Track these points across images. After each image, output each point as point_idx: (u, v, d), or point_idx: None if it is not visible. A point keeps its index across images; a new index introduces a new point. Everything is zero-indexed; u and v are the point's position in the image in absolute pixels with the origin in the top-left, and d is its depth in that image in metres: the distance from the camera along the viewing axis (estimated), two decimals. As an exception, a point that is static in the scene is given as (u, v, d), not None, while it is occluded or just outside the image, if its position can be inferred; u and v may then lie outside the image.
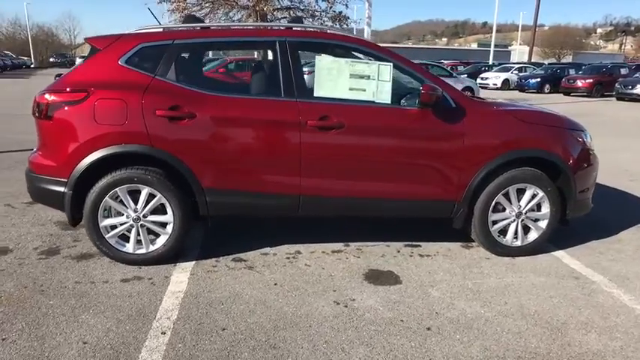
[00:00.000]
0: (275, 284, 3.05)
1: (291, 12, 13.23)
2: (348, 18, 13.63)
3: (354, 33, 13.44)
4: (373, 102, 3.27)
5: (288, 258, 3.46)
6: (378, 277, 3.19)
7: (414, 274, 3.25)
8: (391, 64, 3.32)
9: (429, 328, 2.60)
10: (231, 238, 3.79)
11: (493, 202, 3.44)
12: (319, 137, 3.17)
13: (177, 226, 3.19)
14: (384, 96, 3.27)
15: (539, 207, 3.53)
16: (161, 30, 3.26)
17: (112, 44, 3.16)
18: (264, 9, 12.55)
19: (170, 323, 2.57)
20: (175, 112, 3.04)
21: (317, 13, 13.02)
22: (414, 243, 3.80)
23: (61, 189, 3.07)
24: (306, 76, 3.40)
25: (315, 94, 3.22)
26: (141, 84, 3.06)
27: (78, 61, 53.33)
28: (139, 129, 3.02)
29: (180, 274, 3.14)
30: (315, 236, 3.81)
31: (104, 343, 2.37)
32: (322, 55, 3.32)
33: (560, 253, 3.69)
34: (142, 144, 3.03)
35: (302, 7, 13.25)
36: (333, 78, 3.26)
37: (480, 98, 4.46)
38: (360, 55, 3.41)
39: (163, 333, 2.48)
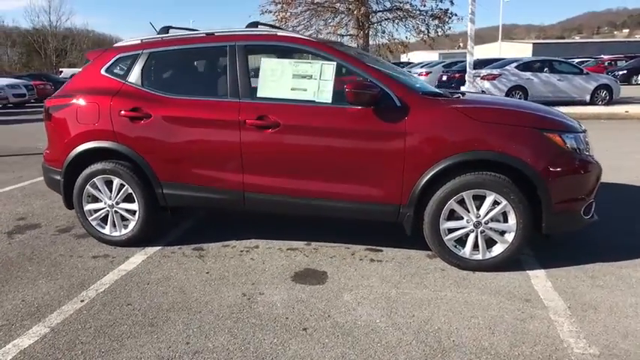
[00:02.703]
0: (207, 273, 3.28)
1: (393, 13, 13.13)
2: (454, 15, 12.99)
3: (446, 32, 12.76)
4: (314, 101, 3.28)
5: (242, 251, 3.64)
6: (306, 277, 3.20)
7: (344, 277, 3.17)
8: (334, 63, 3.29)
9: (305, 329, 2.56)
10: (211, 229, 4.12)
11: (445, 209, 3.15)
12: (257, 136, 3.30)
13: (142, 214, 3.62)
14: (325, 95, 3.26)
15: (505, 217, 3.12)
16: (138, 42, 3.73)
17: (99, 56, 3.74)
18: (365, 11, 12.70)
19: (94, 294, 2.99)
20: (135, 113, 3.48)
21: (415, 13, 12.68)
22: (376, 247, 3.65)
23: (58, 177, 3.75)
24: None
25: (258, 95, 3.36)
26: (113, 89, 3.58)
27: None
28: (108, 127, 3.53)
29: (139, 257, 3.56)
30: (286, 233, 3.91)
31: (33, 303, 2.88)
32: (267, 56, 3.44)
33: (536, 272, 3.20)
34: (109, 140, 3.54)
35: (404, 8, 13.02)
36: (276, 78, 3.36)
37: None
38: (310, 56, 3.43)
39: (82, 301, 2.91)
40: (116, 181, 3.61)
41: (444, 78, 17.22)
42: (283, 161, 3.32)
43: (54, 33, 43.58)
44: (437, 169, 3.08)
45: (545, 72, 14.24)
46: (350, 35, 13.30)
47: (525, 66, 14.50)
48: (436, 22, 12.63)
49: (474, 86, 13.06)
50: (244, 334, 2.52)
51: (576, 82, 14.19)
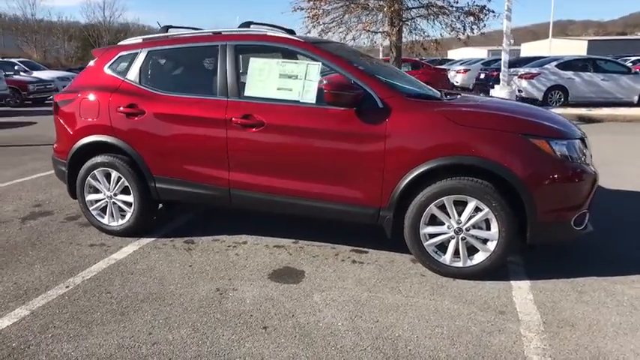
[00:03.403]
0: (190, 266, 3.37)
1: (426, 10, 12.82)
2: (490, 12, 12.51)
3: (482, 29, 12.33)
4: (298, 101, 3.28)
5: (230, 246, 3.71)
6: (283, 275, 3.22)
7: (320, 278, 3.17)
8: (319, 63, 3.28)
9: (265, 328, 2.59)
10: (206, 223, 4.22)
11: (426, 213, 3.08)
12: (242, 134, 3.35)
13: (137, 206, 3.76)
14: (310, 95, 3.25)
15: (488, 225, 3.02)
16: (139, 40, 3.86)
17: (103, 54, 3.91)
18: (397, 8, 12.48)
19: (80, 281, 3.15)
20: (131, 109, 3.61)
21: (449, 10, 12.31)
22: (362, 249, 3.63)
23: (64, 168, 3.95)
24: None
25: (245, 94, 3.40)
26: (113, 86, 3.73)
27: None
28: (106, 123, 3.68)
29: (132, 247, 3.71)
30: (277, 230, 3.95)
31: (23, 286, 3.07)
32: (256, 56, 3.47)
33: (520, 283, 3.08)
34: (108, 135, 3.69)
35: (438, 4, 12.68)
36: (263, 78, 3.39)
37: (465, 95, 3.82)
38: (298, 56, 3.43)
39: (67, 287, 3.07)
40: (114, 174, 3.76)
41: (482, 76, 16.68)
42: (267, 160, 3.36)
43: (107, 28, 45.64)
44: (416, 173, 3.01)
45: (589, 71, 13.52)
46: (382, 32, 13.12)
47: (567, 65, 13.81)
48: (471, 19, 12.24)
49: (509, 85, 12.59)
50: (205, 329, 2.58)
51: (623, 82, 13.38)
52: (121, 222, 3.86)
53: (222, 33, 3.61)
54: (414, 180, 3.03)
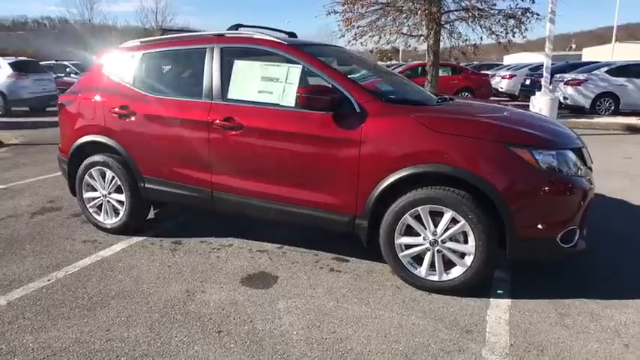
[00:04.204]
0: (169, 266, 3.42)
1: (468, 13, 12.43)
2: (533, 15, 11.96)
3: (524, 33, 11.78)
4: (278, 105, 3.25)
5: (214, 249, 3.73)
6: (256, 280, 3.20)
7: (292, 285, 3.12)
8: (300, 66, 3.23)
9: (219, 332, 2.57)
10: (199, 224, 4.27)
11: (401, 223, 2.96)
12: (222, 137, 3.36)
13: (129, 205, 3.87)
14: (290, 99, 3.21)
15: (465, 238, 2.86)
16: (138, 43, 3.97)
17: (104, 57, 4.04)
18: (435, 10, 12.20)
19: (62, 275, 3.26)
20: (124, 111, 3.72)
21: (489, 13, 11.86)
22: (344, 257, 3.54)
23: (65, 166, 4.13)
24: None
25: (229, 96, 3.41)
26: (109, 88, 3.86)
27: None
28: (101, 123, 3.82)
29: (121, 245, 3.81)
30: (266, 234, 3.92)
31: (9, 277, 3.22)
32: (241, 58, 3.47)
33: (500, 301, 2.89)
34: (102, 135, 3.82)
35: (478, 7, 12.26)
36: (246, 81, 3.40)
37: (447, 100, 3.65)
38: (282, 58, 3.40)
39: (49, 280, 3.19)
40: (108, 173, 3.89)
41: (527, 82, 15.98)
42: (246, 163, 3.35)
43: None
44: (390, 181, 2.90)
45: (644, 77, 12.61)
46: (419, 36, 12.85)
47: (619, 70, 12.94)
48: (512, 22, 11.73)
49: (551, 92, 11.97)
50: (161, 329, 2.60)
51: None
52: (114, 220, 3.98)
53: (211, 35, 3.65)
54: (388, 188, 2.92)
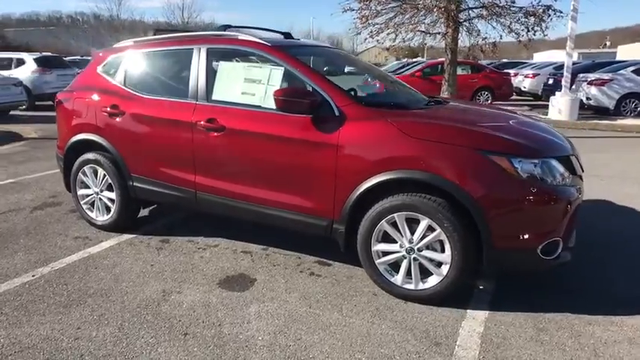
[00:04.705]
0: (151, 265, 3.45)
1: (488, 10, 12.13)
2: (556, 12, 11.58)
3: (545, 31, 11.41)
4: (260, 107, 3.23)
5: (199, 249, 3.75)
6: (233, 282, 3.19)
7: (268, 288, 3.10)
8: (282, 68, 3.20)
9: (185, 334, 2.58)
10: (191, 224, 4.29)
11: (377, 229, 2.90)
12: (205, 138, 3.36)
13: (119, 203, 3.92)
14: (271, 101, 3.17)
15: (442, 247, 2.78)
16: (130, 43, 4.01)
17: (98, 56, 4.11)
18: (453, 8, 11.96)
19: (48, 270, 3.33)
20: (114, 110, 3.76)
21: (508, 11, 11.54)
22: (327, 261, 3.50)
23: (61, 163, 4.21)
24: None
25: (213, 98, 3.41)
26: (101, 87, 3.91)
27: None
28: (93, 122, 3.87)
29: (111, 242, 3.87)
30: (254, 235, 3.91)
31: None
32: (226, 60, 3.46)
33: (477, 313, 2.80)
34: (94, 133, 3.88)
35: (498, 4, 11.95)
36: (230, 82, 3.39)
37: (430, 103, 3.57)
38: (265, 59, 3.37)
39: (33, 276, 3.26)
40: (100, 171, 3.95)
41: (550, 81, 15.50)
42: (228, 164, 3.35)
43: (185, 29, 48.44)
44: (365, 187, 2.85)
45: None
46: (435, 34, 12.62)
47: (647, 70, 12.44)
48: (532, 19, 11.38)
49: (572, 92, 11.61)
50: (130, 329, 2.62)
51: None
52: (105, 217, 4.05)
53: (198, 36, 3.65)
54: (364, 194, 2.87)
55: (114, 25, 45.38)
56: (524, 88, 18.23)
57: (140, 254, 3.63)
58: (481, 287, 3.10)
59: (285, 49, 3.32)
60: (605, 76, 12.58)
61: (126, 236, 3.98)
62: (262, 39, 3.42)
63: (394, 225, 2.87)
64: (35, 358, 2.36)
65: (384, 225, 2.88)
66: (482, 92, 15.39)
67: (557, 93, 11.53)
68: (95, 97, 3.90)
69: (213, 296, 2.99)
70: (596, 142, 9.12)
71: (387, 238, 2.93)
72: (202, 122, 3.35)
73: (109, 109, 3.79)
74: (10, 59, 14.10)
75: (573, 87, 13.13)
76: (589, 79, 12.75)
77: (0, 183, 5.72)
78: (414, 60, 22.10)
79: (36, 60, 13.91)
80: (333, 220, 3.05)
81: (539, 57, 43.90)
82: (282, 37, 4.29)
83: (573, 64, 17.01)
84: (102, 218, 4.07)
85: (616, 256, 3.64)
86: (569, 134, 10.38)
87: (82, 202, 4.14)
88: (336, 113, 2.98)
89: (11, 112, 12.53)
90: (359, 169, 2.87)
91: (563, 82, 11.25)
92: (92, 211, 4.12)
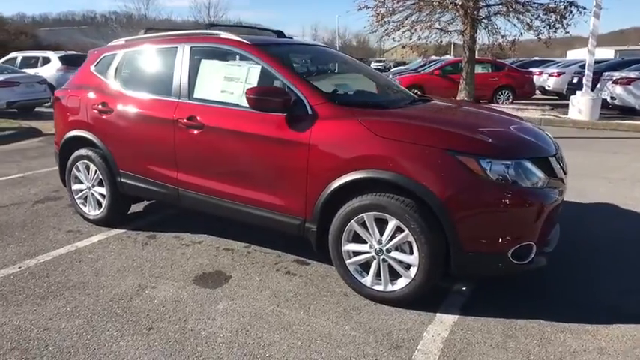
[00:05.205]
0: (133, 260, 3.51)
1: (507, 7, 11.85)
2: (578, 8, 11.20)
3: (566, 29, 11.04)
4: (238, 105, 3.25)
5: (184, 245, 3.80)
6: (209, 278, 3.22)
7: (241, 286, 3.12)
8: (260, 67, 3.21)
9: (150, 329, 2.62)
10: (181, 220, 4.34)
11: (347, 229, 2.88)
12: (186, 136, 3.40)
13: (109, 198, 4.02)
14: (248, 99, 3.20)
15: (411, 249, 2.73)
16: (122, 42, 4.09)
17: (93, 55, 4.21)
18: (471, 5, 11.72)
19: (34, 263, 3.44)
20: (103, 107, 3.85)
21: (529, 7, 11.23)
22: (305, 260, 3.49)
23: (57, 159, 4.34)
24: None
25: (194, 96, 3.45)
26: (94, 85, 4.01)
27: (372, 64, 59.10)
28: (85, 119, 3.98)
29: (100, 236, 3.96)
30: (239, 233, 3.93)
31: (-14, 262, 3.44)
32: (208, 58, 3.48)
33: (446, 317, 2.75)
34: (85, 130, 3.98)
35: (519, 0, 11.65)
36: (210, 80, 3.42)
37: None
38: (243, 58, 3.38)
39: (19, 267, 3.37)
40: (92, 167, 4.05)
41: (575, 80, 14.98)
42: (207, 162, 3.38)
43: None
44: (334, 186, 2.83)
45: None
46: (451, 32, 12.40)
47: (677, 68, 11.88)
48: (553, 16, 11.03)
49: (595, 91, 11.22)
50: (98, 322, 2.68)
51: None
52: (97, 212, 4.15)
53: (183, 35, 3.70)
54: (334, 193, 2.85)
55: (142, 24, 46.43)
56: (549, 87, 17.70)
57: (125, 249, 3.71)
58: (464, 288, 3.05)
59: (263, 48, 3.32)
60: (632, 75, 12.07)
61: (115, 231, 4.07)
62: (244, 37, 3.43)
63: (364, 225, 2.84)
64: (1, 347, 2.45)
65: (353, 225, 2.85)
66: (503, 91, 15.06)
67: (577, 92, 11.16)
68: (87, 94, 4.00)
69: (185, 292, 3.03)
70: (613, 143, 8.78)
71: (357, 239, 2.90)
72: (183, 120, 3.39)
73: (99, 106, 3.88)
74: (37, 58, 14.62)
75: (598, 86, 12.68)
76: (614, 78, 12.28)
77: (10, 177, 5.94)
78: (436, 58, 21.75)
79: (61, 58, 14.37)
80: (305, 219, 3.04)
81: (574, 55, 42.49)
82: (274, 35, 4.31)
83: (601, 61, 16.45)
84: (94, 213, 4.17)
85: (605, 261, 3.50)
86: (587, 135, 10.03)
87: (76, 197, 4.26)
88: (309, 112, 2.96)
89: (36, 109, 12.98)
90: (329, 168, 2.85)
91: (584, 81, 10.88)
92: (85, 206, 4.23)
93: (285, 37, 4.34)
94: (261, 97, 2.93)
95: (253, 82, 3.21)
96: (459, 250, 2.60)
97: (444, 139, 2.65)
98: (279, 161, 3.04)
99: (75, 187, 4.25)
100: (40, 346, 2.46)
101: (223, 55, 3.48)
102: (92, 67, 4.12)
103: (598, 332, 2.60)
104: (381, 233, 2.79)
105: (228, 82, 3.32)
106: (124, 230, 4.09)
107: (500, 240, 2.59)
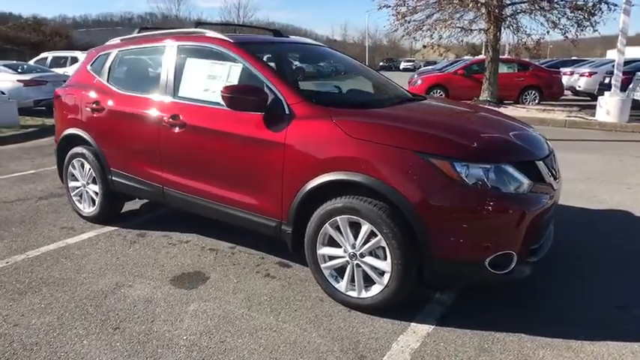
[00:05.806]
0: (117, 258, 3.52)
1: (533, 5, 11.44)
2: (608, 5, 10.70)
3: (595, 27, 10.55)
4: (219, 104, 3.20)
5: (170, 244, 3.78)
6: (186, 279, 3.19)
7: (216, 287, 3.07)
8: (241, 66, 3.16)
9: (116, 328, 2.60)
10: (173, 219, 4.35)
11: (322, 233, 2.79)
12: (170, 135, 3.38)
13: (101, 195, 4.05)
14: (229, 98, 3.15)
15: (385, 254, 2.62)
16: (117, 41, 4.12)
17: (91, 54, 4.26)
18: (496, 4, 11.38)
19: (22, 258, 3.50)
20: (96, 106, 3.89)
21: (555, 5, 10.79)
22: (288, 262, 3.42)
23: (56, 156, 4.42)
24: None
25: (179, 94, 3.43)
26: (88, 84, 4.05)
27: (402, 64, 58.02)
28: (80, 117, 4.02)
29: (91, 233, 4.00)
30: (227, 233, 3.89)
31: (-23, 257, 3.52)
32: (193, 57, 3.45)
33: (420, 327, 2.62)
34: (79, 128, 4.03)
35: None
36: (194, 79, 3.39)
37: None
38: (226, 56, 3.32)
39: (7, 262, 3.43)
40: (86, 164, 4.10)
41: (606, 80, 14.34)
42: (190, 162, 3.36)
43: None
44: (308, 188, 2.74)
45: None
46: (473, 30, 12.06)
47: None
48: (580, 14, 10.55)
49: (628, 92, 10.70)
50: (67, 320, 2.68)
51: None
52: (91, 209, 4.20)
53: (171, 33, 3.69)
54: (308, 194, 2.77)
55: (175, 25, 47.51)
56: (579, 87, 17.01)
57: (113, 247, 3.73)
58: (437, 295, 2.92)
59: (244, 46, 3.27)
60: (667, 75, 11.47)
61: (107, 228, 4.10)
62: (227, 35, 3.39)
63: (338, 229, 2.74)
64: (-32, 342, 2.48)
65: (328, 228, 2.76)
66: (530, 91, 14.56)
67: (606, 93, 10.66)
68: (83, 93, 4.05)
69: (160, 292, 3.01)
70: (638, 145, 8.33)
71: (332, 243, 2.81)
72: (167, 119, 3.38)
73: (92, 105, 3.92)
74: (66, 57, 15.06)
75: (630, 86, 12.11)
76: (644, 78, 11.69)
77: (22, 173, 6.11)
78: (468, 58, 21.29)
79: (88, 58, 14.76)
80: (281, 221, 2.96)
81: (613, 54, 40.73)
82: (271, 34, 4.26)
83: (635, 61, 15.68)
84: (88, 210, 4.22)
85: (603, 272, 3.28)
86: (614, 137, 9.58)
87: (72, 194, 4.32)
88: (287, 111, 2.89)
89: (63, 108, 13.38)
90: (303, 169, 2.77)
91: (612, 81, 10.38)
92: (80, 203, 4.29)
93: (282, 36, 4.28)
94: (236, 95, 2.87)
95: (234, 80, 3.16)
96: (431, 257, 2.48)
97: (416, 141, 2.52)
98: (257, 161, 2.97)
99: (71, 184, 4.31)
100: (5, 342, 2.47)
101: (208, 54, 3.44)
102: (88, 66, 4.17)
103: (583, 350, 2.42)
104: (356, 238, 2.69)
105: (211, 81, 3.28)
106: (116, 228, 4.12)
107: (476, 248, 2.44)
